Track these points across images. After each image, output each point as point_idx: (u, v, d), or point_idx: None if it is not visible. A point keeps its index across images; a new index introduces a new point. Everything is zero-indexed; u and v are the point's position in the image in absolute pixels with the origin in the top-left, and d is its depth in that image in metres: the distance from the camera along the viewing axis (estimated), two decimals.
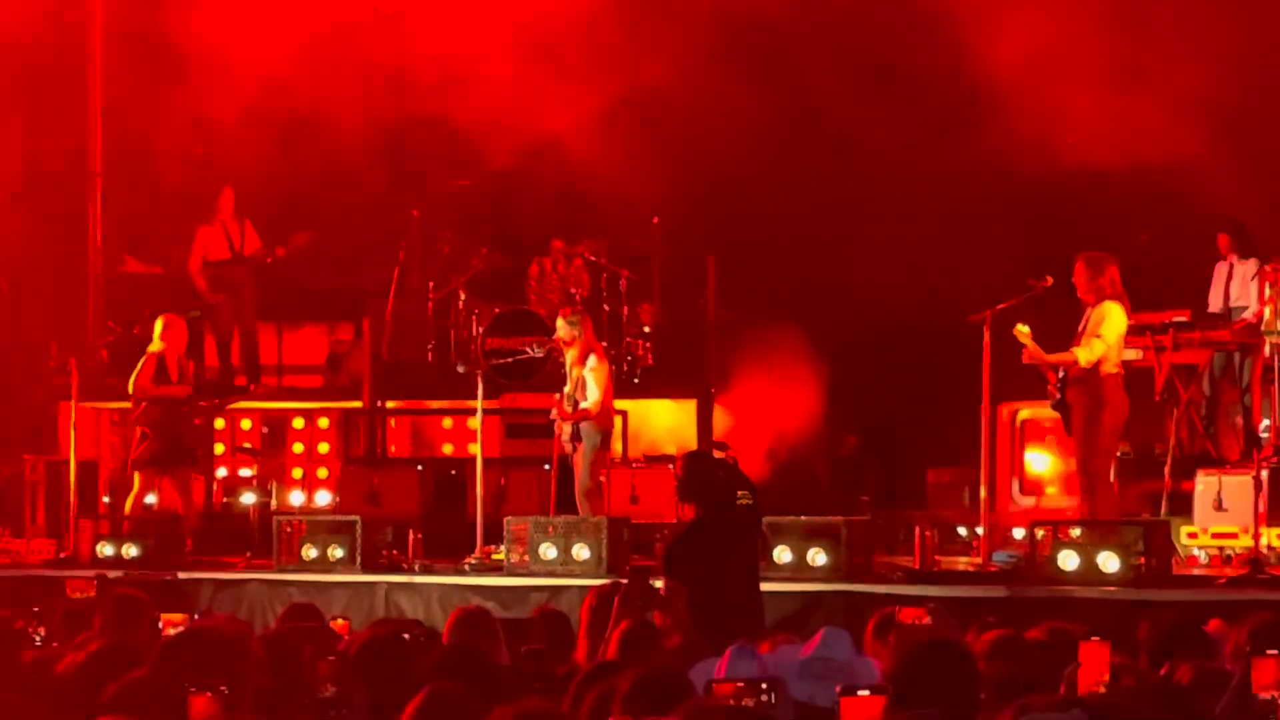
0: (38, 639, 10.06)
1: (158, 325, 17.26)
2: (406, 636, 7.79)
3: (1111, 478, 14.64)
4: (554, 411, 15.87)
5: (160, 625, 10.93)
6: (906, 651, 6.97)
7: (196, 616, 13.80)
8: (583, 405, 15.73)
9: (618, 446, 18.10)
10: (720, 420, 18.66)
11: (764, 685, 6.23)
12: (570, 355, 15.97)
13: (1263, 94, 17.15)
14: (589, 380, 15.73)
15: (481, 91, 18.52)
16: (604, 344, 17.01)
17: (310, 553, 15.43)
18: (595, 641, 9.28)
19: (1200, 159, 16.54)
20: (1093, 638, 7.42)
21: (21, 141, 21.18)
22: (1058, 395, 14.35)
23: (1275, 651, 7.12)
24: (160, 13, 19.32)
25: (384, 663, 7.44)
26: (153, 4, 19.45)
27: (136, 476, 17.11)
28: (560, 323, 16.15)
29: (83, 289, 20.47)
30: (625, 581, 10.14)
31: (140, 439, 17.10)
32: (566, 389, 15.92)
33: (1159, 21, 17.03)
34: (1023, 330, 14.17)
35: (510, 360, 17.80)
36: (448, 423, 19.41)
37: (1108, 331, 14.15)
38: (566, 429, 15.83)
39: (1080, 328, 14.34)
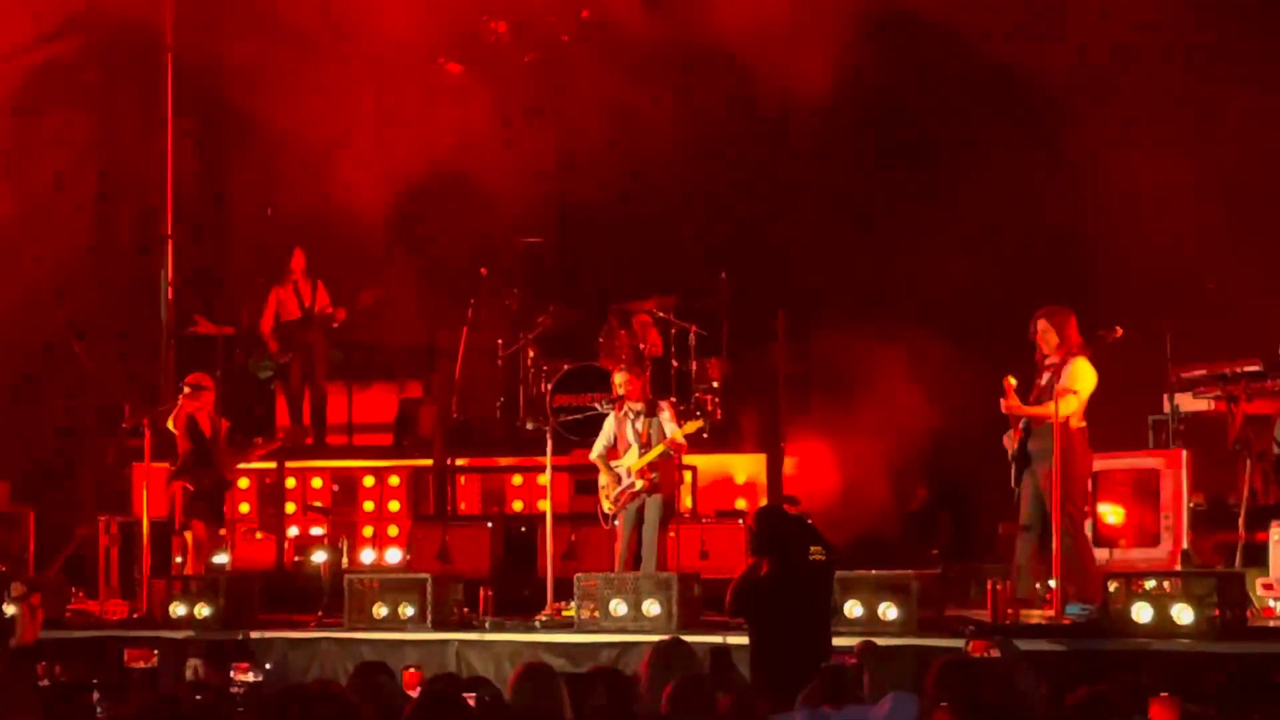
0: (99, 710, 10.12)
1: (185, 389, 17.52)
2: (469, 696, 7.75)
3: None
4: (637, 483, 15.83)
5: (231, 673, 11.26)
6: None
7: (268, 667, 14.07)
8: (672, 439, 15.74)
9: (688, 501, 18.10)
10: (790, 473, 18.61)
11: None
12: (635, 407, 15.94)
13: None
14: (664, 425, 15.76)
15: (546, 149, 18.63)
16: (673, 399, 16.99)
17: (381, 611, 15.42)
18: (653, 697, 9.24)
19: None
20: (1162, 694, 7.36)
21: (93, 205, 21.40)
22: (1015, 447, 14.51)
23: None
24: (229, 76, 19.50)
25: None
26: (223, 67, 19.61)
27: (187, 535, 17.27)
28: (617, 379, 16.16)
29: (155, 350, 20.62)
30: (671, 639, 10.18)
31: (184, 495, 17.30)
32: (627, 460, 15.89)
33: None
34: (1011, 382, 14.21)
35: (579, 416, 17.80)
36: (517, 479, 19.44)
37: (1082, 386, 14.24)
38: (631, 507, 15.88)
39: (1038, 381, 14.41)
